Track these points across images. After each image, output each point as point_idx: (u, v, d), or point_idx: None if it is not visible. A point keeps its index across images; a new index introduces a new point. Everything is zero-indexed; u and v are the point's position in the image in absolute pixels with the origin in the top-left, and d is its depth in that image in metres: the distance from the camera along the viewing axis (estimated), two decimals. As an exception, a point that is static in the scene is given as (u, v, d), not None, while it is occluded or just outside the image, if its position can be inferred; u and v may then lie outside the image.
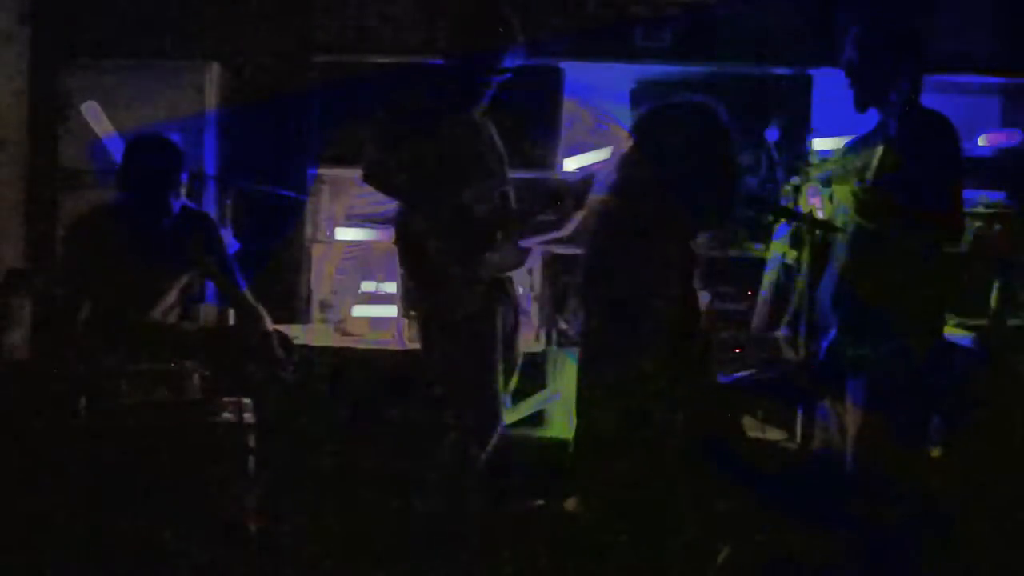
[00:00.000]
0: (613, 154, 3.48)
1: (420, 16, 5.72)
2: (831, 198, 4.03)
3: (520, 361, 4.50)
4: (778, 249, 4.25)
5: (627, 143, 3.38)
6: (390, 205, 4.51)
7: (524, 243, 4.40)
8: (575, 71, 5.62)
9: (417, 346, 4.48)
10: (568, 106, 5.68)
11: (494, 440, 4.31)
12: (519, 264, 4.45)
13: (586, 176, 4.14)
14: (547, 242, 4.53)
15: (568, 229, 4.22)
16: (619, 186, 3.33)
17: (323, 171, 5.79)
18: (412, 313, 4.49)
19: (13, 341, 4.84)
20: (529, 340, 5.19)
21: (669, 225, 3.28)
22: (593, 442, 3.33)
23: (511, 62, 4.30)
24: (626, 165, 3.34)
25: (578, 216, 4.07)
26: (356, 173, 4.40)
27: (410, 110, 4.34)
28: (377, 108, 4.35)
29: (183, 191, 4.63)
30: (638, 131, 3.38)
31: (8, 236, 5.68)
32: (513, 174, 4.49)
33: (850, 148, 4.09)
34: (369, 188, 4.41)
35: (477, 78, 4.29)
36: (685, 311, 3.33)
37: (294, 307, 5.76)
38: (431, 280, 4.24)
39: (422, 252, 4.23)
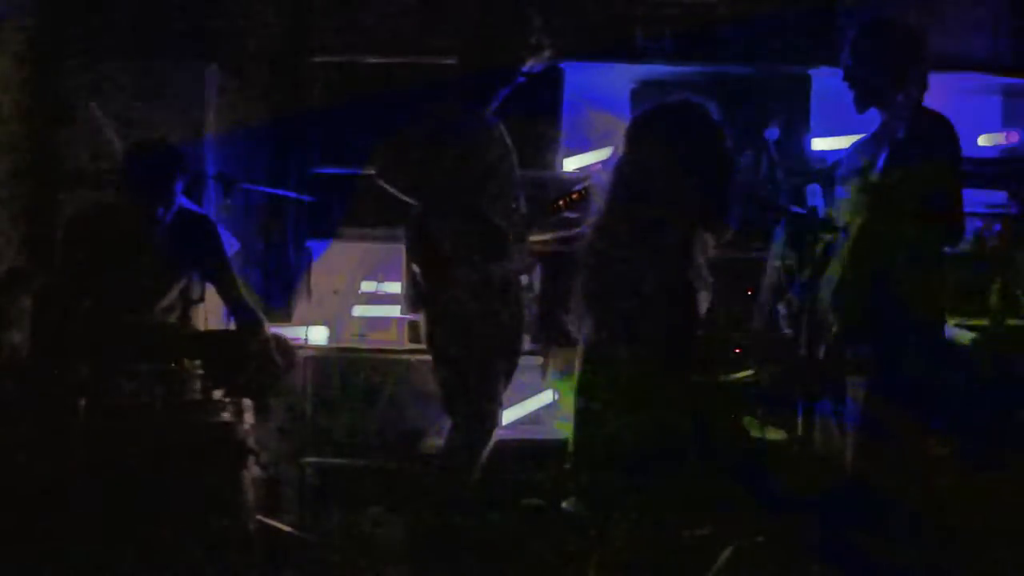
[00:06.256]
0: (611, 156, 3.49)
1: (421, 17, 5.72)
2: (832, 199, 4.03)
3: (518, 363, 4.50)
4: (778, 249, 4.24)
5: (624, 145, 3.39)
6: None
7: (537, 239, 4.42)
8: (576, 72, 5.62)
9: (419, 346, 4.48)
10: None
11: (493, 439, 4.32)
12: (528, 267, 4.45)
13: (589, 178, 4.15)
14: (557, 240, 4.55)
15: (579, 230, 4.22)
16: (617, 188, 3.34)
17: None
18: (416, 312, 4.49)
19: (13, 341, 4.83)
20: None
21: (668, 225, 3.28)
22: (593, 442, 3.34)
23: (532, 65, 4.30)
24: (623, 167, 3.34)
25: (588, 218, 4.08)
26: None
27: (424, 110, 4.36)
28: (382, 109, 4.36)
29: (182, 194, 4.65)
30: (634, 133, 3.39)
31: (8, 236, 5.68)
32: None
33: (853, 149, 4.09)
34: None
35: (496, 80, 4.29)
36: (686, 311, 3.33)
37: (294, 307, 5.75)
38: (442, 279, 4.24)
39: (434, 251, 4.24)
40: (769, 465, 3.31)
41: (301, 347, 5.17)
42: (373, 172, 4.43)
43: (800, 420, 4.03)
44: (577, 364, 3.86)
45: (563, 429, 4.35)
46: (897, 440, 3.81)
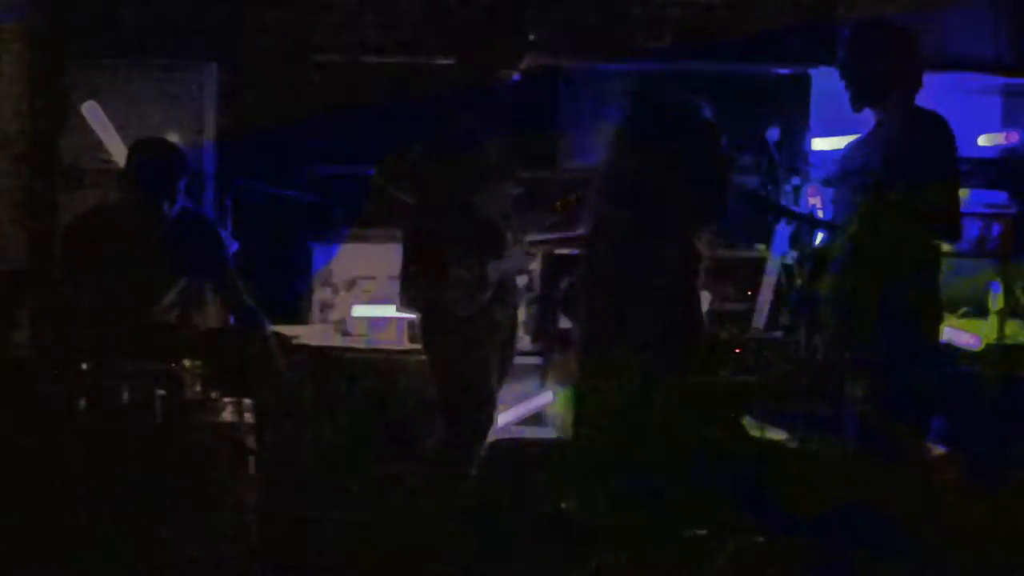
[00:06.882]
0: (609, 156, 3.49)
1: (420, 16, 5.72)
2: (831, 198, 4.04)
3: (513, 363, 4.50)
4: (778, 249, 4.25)
5: (620, 144, 3.40)
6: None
7: (535, 239, 4.43)
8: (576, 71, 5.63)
9: (417, 346, 4.48)
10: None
11: (489, 439, 4.32)
12: (523, 267, 4.46)
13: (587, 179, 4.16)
14: (556, 241, 4.55)
15: (578, 230, 4.22)
16: (614, 187, 3.34)
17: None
18: (411, 311, 4.49)
19: (13, 341, 4.84)
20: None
21: (665, 224, 3.29)
22: (593, 442, 3.34)
23: (527, 61, 4.31)
24: (619, 168, 3.35)
25: (586, 219, 4.08)
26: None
27: (423, 109, 4.37)
28: (382, 108, 4.36)
29: (182, 193, 4.66)
30: (630, 134, 3.39)
31: (8, 236, 5.68)
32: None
33: (850, 149, 4.09)
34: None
35: (492, 77, 4.30)
36: (687, 311, 3.34)
37: (294, 307, 5.76)
38: (438, 278, 4.24)
39: (431, 250, 4.24)
40: (767, 471, 3.31)
41: (301, 347, 5.17)
42: (372, 171, 4.44)
43: (799, 422, 4.04)
44: (577, 365, 3.86)
45: (563, 430, 4.35)
46: (896, 443, 3.81)
